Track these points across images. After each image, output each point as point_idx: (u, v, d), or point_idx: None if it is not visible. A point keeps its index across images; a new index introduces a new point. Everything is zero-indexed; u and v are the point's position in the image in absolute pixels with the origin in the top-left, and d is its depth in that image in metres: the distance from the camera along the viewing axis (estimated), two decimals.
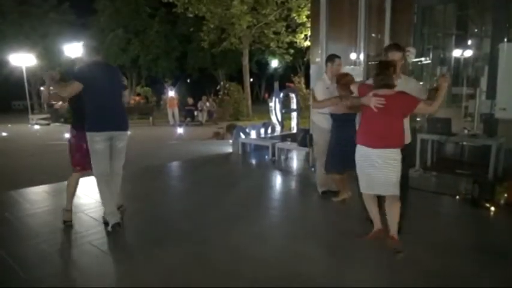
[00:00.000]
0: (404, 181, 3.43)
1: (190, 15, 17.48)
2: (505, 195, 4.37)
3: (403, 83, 3.32)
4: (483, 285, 2.77)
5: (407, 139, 3.38)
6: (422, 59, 6.45)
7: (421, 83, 5.82)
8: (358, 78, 5.72)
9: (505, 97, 4.98)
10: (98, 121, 3.69)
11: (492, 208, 4.25)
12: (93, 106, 3.67)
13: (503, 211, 4.23)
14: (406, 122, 3.35)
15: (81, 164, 3.97)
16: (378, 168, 3.18)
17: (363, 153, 3.27)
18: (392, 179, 3.17)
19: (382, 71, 3.16)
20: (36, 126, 17.39)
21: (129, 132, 4.05)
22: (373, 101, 3.10)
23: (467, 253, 3.29)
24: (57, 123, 17.50)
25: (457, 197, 4.69)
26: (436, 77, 7.00)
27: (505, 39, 5.49)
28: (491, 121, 5.51)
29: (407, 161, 3.44)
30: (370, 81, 3.42)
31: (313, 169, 6.35)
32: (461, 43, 7.60)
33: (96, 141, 3.69)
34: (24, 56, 19.93)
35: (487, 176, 4.99)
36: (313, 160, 6.47)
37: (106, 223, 3.87)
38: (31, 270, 3.09)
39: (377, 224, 3.42)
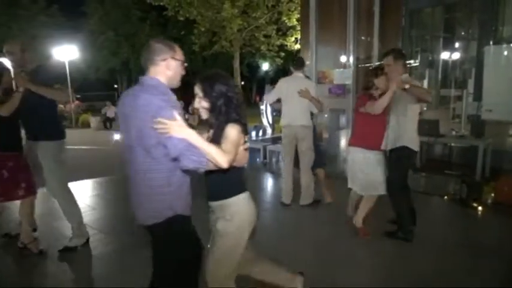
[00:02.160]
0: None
1: (181, 19, 17.44)
2: (492, 194, 4.45)
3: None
4: (472, 282, 2.82)
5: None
6: (411, 61, 6.54)
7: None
8: (348, 81, 5.80)
9: (491, 99, 5.08)
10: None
11: (480, 207, 4.32)
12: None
13: (491, 210, 4.31)
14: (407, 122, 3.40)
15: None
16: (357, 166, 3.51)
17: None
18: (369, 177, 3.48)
19: (364, 75, 3.47)
20: None
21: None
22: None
23: (455, 251, 3.35)
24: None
25: (446, 197, 4.76)
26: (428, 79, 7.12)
27: (491, 42, 5.61)
28: (478, 122, 5.61)
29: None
30: None
31: None
32: (448, 46, 7.74)
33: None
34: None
35: (475, 176, 5.07)
36: None
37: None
38: (20, 275, 3.06)
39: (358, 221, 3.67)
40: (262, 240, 3.72)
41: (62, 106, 18.70)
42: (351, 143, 3.55)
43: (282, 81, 4.51)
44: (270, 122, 9.36)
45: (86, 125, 17.56)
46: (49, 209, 4.40)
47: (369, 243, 3.57)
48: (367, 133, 3.39)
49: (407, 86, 3.11)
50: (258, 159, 7.57)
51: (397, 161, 3.46)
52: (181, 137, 1.70)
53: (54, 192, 3.49)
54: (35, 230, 3.82)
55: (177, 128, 1.69)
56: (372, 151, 3.40)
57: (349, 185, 3.67)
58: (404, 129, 3.39)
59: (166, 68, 1.88)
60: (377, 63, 5.64)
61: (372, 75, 3.32)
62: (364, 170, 3.44)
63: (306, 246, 3.55)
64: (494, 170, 5.22)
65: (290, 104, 4.37)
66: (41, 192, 3.66)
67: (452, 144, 6.10)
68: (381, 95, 3.23)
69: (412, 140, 3.41)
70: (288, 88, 4.37)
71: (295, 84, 4.30)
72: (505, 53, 5.21)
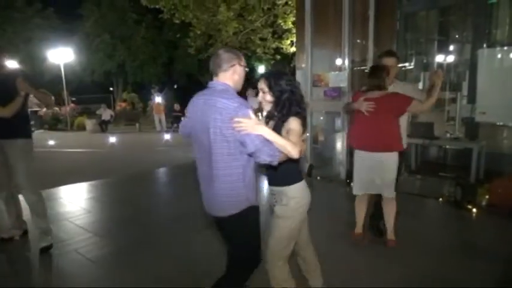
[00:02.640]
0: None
1: (177, 21, 17.44)
2: (486, 196, 4.47)
3: (397, 88, 3.36)
4: (466, 283, 2.84)
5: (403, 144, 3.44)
6: (406, 64, 6.58)
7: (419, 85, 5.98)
8: (343, 83, 5.82)
9: (485, 101, 5.12)
10: None
11: (474, 209, 4.35)
12: None
13: (485, 212, 4.33)
14: (402, 125, 3.37)
15: None
16: (375, 169, 3.30)
17: (360, 157, 3.39)
18: (386, 180, 3.30)
19: (373, 74, 3.25)
20: None
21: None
22: (364, 106, 3.19)
23: (450, 252, 3.37)
24: (41, 130, 17.23)
25: (440, 199, 4.78)
26: (428, 75, 7.15)
27: (485, 45, 5.65)
28: (473, 125, 5.64)
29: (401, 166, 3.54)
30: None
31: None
32: (443, 49, 7.79)
33: None
34: (8, 62, 19.57)
35: (469, 178, 5.10)
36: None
37: None
38: (16, 279, 3.04)
39: (358, 227, 3.61)
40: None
41: (57, 109, 18.65)
42: (369, 147, 3.34)
43: None
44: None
45: (82, 127, 17.47)
46: None
47: (362, 244, 3.58)
48: (397, 135, 3.30)
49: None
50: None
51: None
52: (257, 133, 1.90)
53: (24, 189, 3.51)
54: (26, 231, 3.81)
55: (253, 126, 1.89)
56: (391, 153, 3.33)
57: (363, 191, 3.52)
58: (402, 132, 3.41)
59: (233, 74, 2.07)
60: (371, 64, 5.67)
61: (385, 74, 3.23)
62: (385, 172, 3.33)
63: None
64: (488, 172, 5.25)
65: None
66: None
67: (447, 147, 6.14)
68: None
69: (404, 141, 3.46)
70: None
71: None
72: (499, 55, 5.26)
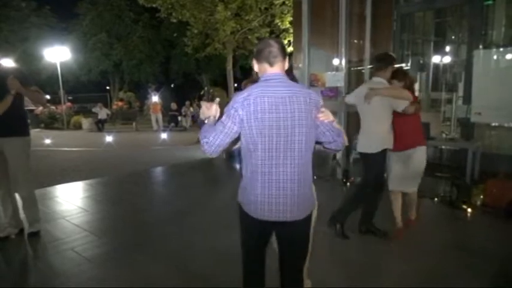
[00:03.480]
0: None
1: (174, 21, 17.43)
2: (481, 196, 4.51)
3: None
4: (460, 282, 2.86)
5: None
6: (402, 65, 6.61)
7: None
8: (340, 83, 5.84)
9: (481, 102, 5.16)
10: None
11: (469, 209, 4.38)
12: None
13: (480, 212, 4.37)
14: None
15: None
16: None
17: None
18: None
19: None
20: None
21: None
22: None
23: (445, 252, 3.39)
24: (37, 129, 17.17)
25: (436, 199, 4.81)
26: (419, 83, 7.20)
27: (481, 46, 5.69)
28: (468, 125, 5.68)
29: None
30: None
31: None
32: (439, 49, 7.83)
33: None
34: (3, 60, 19.48)
35: (464, 178, 5.13)
36: None
37: None
38: (13, 278, 3.04)
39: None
40: None
41: (53, 108, 18.59)
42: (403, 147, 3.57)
43: None
44: None
45: (78, 126, 17.45)
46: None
47: (358, 243, 3.60)
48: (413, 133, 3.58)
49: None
50: None
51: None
52: (331, 120, 1.91)
53: (20, 184, 3.62)
54: (22, 230, 3.81)
55: (329, 113, 1.90)
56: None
57: (401, 188, 3.73)
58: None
59: (285, 64, 1.94)
60: (369, 67, 5.70)
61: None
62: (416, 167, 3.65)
63: None
64: (483, 172, 5.29)
65: None
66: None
67: (443, 147, 6.17)
68: None
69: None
70: None
71: None
72: (494, 57, 5.30)
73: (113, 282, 2.94)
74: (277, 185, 1.85)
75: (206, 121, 1.96)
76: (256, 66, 1.94)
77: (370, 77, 3.93)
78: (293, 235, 1.99)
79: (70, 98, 23.08)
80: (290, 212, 1.88)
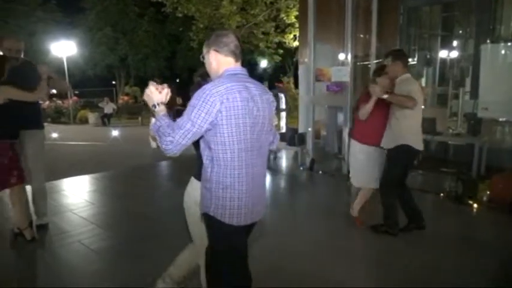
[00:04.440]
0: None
1: (180, 15, 17.41)
2: (487, 192, 4.48)
3: (397, 86, 3.44)
4: (466, 277, 2.86)
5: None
6: (409, 59, 6.56)
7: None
8: (345, 78, 5.82)
9: (488, 97, 5.12)
10: None
11: (475, 205, 4.37)
12: None
13: (486, 207, 4.35)
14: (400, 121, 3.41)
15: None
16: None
17: None
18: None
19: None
20: None
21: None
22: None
23: (451, 247, 3.39)
24: (44, 123, 17.28)
25: (442, 194, 4.80)
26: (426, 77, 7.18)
27: (488, 41, 5.64)
28: (475, 120, 5.65)
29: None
30: None
31: (301, 168, 6.43)
32: (446, 44, 7.77)
33: None
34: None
35: (471, 173, 5.11)
36: (302, 159, 6.55)
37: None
38: (21, 270, 3.09)
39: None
40: (262, 237, 3.76)
41: (60, 102, 18.68)
42: (357, 138, 3.71)
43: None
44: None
45: (84, 121, 17.53)
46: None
47: (364, 238, 3.61)
48: (369, 130, 3.56)
49: (385, 96, 3.24)
50: None
51: (395, 158, 3.48)
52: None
53: (37, 177, 3.71)
54: (31, 223, 3.84)
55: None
56: (372, 147, 3.59)
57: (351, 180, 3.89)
58: (401, 129, 3.39)
59: None
60: (375, 62, 5.67)
61: (375, 75, 3.54)
62: (364, 164, 3.64)
63: (306, 242, 3.58)
64: (489, 167, 5.27)
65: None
66: None
67: (449, 142, 6.14)
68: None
69: (410, 139, 3.39)
70: None
71: None
72: (502, 51, 5.24)
73: (119, 275, 2.98)
74: (250, 185, 1.77)
75: (156, 108, 1.75)
76: (215, 59, 1.79)
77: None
78: (247, 236, 1.95)
79: (76, 92, 23.14)
80: (257, 213, 1.86)
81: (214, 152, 1.71)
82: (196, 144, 1.81)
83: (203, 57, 1.86)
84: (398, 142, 3.39)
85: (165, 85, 1.81)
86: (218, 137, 1.68)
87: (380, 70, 3.55)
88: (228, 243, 1.81)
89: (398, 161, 3.47)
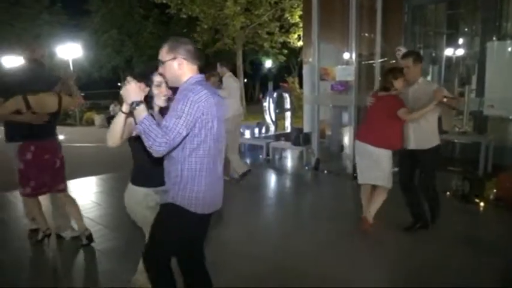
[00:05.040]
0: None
1: (184, 16, 17.49)
2: (494, 190, 4.45)
3: (420, 87, 3.46)
4: (473, 276, 2.85)
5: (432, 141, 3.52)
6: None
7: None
8: (350, 77, 5.81)
9: (494, 94, 5.08)
10: None
11: (482, 203, 4.34)
12: None
13: (492, 206, 4.32)
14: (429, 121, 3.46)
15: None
16: (369, 160, 3.54)
17: (357, 147, 3.70)
18: (377, 172, 3.51)
19: (383, 76, 3.63)
20: None
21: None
22: (368, 100, 3.57)
23: (458, 245, 3.38)
24: None
25: (448, 193, 4.77)
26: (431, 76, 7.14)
27: (494, 38, 5.60)
28: (481, 119, 5.61)
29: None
30: None
31: (306, 167, 6.43)
32: (451, 42, 7.71)
33: None
34: (17, 58, 19.79)
35: (477, 172, 5.08)
36: (308, 159, 6.55)
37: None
38: (30, 270, 3.12)
39: (364, 212, 3.75)
40: (266, 237, 3.77)
41: (83, 101, 18.83)
42: (370, 141, 3.52)
43: None
44: (273, 119, 9.40)
45: (90, 122, 17.64)
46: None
47: (372, 236, 3.60)
48: (390, 134, 3.45)
49: (445, 100, 3.21)
50: (260, 156, 7.61)
51: (434, 158, 3.58)
52: None
53: None
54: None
55: None
56: (387, 150, 3.51)
57: (361, 181, 3.74)
58: (434, 129, 3.50)
59: None
60: (380, 61, 5.65)
61: (391, 77, 3.39)
62: (381, 164, 3.52)
63: (310, 241, 3.58)
64: (496, 166, 5.23)
65: None
66: None
67: (455, 141, 6.11)
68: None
69: (439, 139, 3.56)
70: None
71: None
72: (509, 49, 5.21)
73: (126, 275, 3.00)
74: (215, 180, 1.99)
75: (138, 107, 1.77)
76: (181, 66, 1.89)
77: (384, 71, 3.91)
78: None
79: (82, 94, 23.28)
80: (218, 204, 2.08)
81: (189, 150, 1.86)
82: (136, 148, 2.10)
83: (162, 62, 1.92)
84: (434, 142, 3.51)
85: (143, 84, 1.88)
86: (197, 137, 1.85)
87: (397, 72, 3.42)
88: (185, 227, 2.02)
89: (437, 159, 3.63)
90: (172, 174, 1.93)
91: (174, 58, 1.88)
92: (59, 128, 3.59)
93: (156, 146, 1.71)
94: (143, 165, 2.19)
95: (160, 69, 1.95)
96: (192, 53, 1.91)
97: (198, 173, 1.89)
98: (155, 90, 2.09)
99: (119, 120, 1.91)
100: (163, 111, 2.11)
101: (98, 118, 17.44)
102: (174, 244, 2.07)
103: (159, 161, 1.97)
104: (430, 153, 3.52)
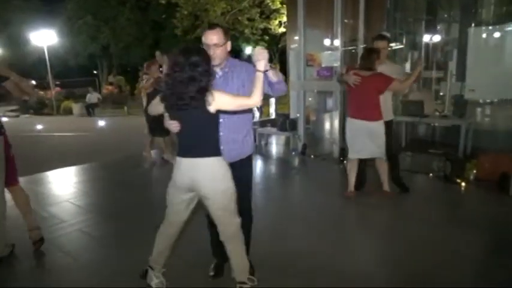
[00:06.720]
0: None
1: (163, 2, 17.13)
2: (474, 171, 4.66)
3: (387, 68, 3.88)
4: (456, 252, 3.00)
5: (388, 116, 4.02)
6: (396, 43, 6.66)
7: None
8: (336, 63, 5.89)
9: (474, 79, 5.27)
10: None
11: (463, 183, 4.54)
12: None
13: (473, 186, 4.53)
14: (386, 100, 3.96)
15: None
16: (364, 135, 3.85)
17: (350, 123, 3.97)
18: (377, 145, 3.87)
19: (365, 56, 3.82)
20: (4, 119, 16.73)
21: None
22: (351, 79, 3.75)
23: (441, 224, 3.54)
24: (26, 115, 16.91)
25: (431, 174, 4.96)
26: (411, 61, 7.31)
27: (473, 24, 5.76)
28: (461, 103, 5.80)
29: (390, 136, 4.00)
30: None
31: (293, 153, 6.52)
32: (431, 28, 7.88)
33: None
34: None
35: (458, 154, 5.28)
36: (294, 144, 6.64)
37: None
38: (23, 260, 3.10)
39: (350, 186, 4.12)
40: (261, 220, 3.84)
41: (41, 92, 18.27)
42: (360, 116, 3.88)
43: None
44: (258, 105, 9.41)
45: (68, 111, 17.21)
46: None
47: (358, 215, 3.74)
48: (382, 108, 3.85)
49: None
50: None
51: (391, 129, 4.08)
52: None
53: None
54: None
55: None
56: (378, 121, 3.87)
57: (355, 156, 4.04)
58: (390, 104, 4.07)
59: None
60: (362, 46, 5.74)
61: (375, 57, 3.76)
62: (379, 137, 3.87)
63: (302, 222, 3.68)
64: (475, 148, 5.44)
65: None
66: None
67: (436, 124, 6.31)
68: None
69: (389, 114, 4.06)
70: None
71: None
72: (486, 34, 5.39)
73: (123, 260, 3.02)
74: None
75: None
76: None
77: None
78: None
79: (58, 83, 22.60)
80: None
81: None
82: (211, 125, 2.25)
83: (218, 45, 2.29)
84: (391, 116, 4.11)
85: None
86: None
87: (378, 53, 3.82)
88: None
89: (390, 132, 4.02)
90: (244, 133, 2.52)
91: (227, 41, 2.33)
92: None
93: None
94: (218, 138, 2.27)
95: (212, 51, 2.26)
96: None
97: None
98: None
99: (261, 79, 2.22)
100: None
101: (76, 107, 17.05)
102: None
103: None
104: (389, 124, 4.02)
